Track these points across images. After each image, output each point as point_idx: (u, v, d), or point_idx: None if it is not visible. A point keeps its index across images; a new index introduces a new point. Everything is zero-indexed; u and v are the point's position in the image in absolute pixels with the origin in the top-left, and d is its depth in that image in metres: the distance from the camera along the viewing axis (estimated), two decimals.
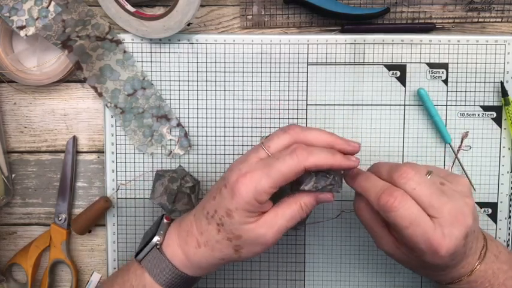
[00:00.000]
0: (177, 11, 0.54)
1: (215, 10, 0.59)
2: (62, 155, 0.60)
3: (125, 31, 0.57)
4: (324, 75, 0.58)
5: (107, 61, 0.58)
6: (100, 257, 0.62)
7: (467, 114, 0.58)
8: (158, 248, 0.48)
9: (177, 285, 0.48)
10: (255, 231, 0.44)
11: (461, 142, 0.58)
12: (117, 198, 0.60)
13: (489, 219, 0.59)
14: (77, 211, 0.61)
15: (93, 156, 0.61)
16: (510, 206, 0.59)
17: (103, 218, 0.60)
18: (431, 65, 0.58)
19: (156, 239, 0.48)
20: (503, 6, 0.58)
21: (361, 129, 0.58)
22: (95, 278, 0.62)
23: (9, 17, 0.54)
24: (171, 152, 0.59)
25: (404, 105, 0.58)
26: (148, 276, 0.48)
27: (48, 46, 0.58)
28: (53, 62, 0.58)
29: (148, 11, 0.59)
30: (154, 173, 0.58)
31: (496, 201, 0.59)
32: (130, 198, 0.60)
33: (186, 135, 0.58)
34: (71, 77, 0.59)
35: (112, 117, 0.59)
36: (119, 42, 0.58)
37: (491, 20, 0.58)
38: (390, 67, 0.58)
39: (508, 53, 0.57)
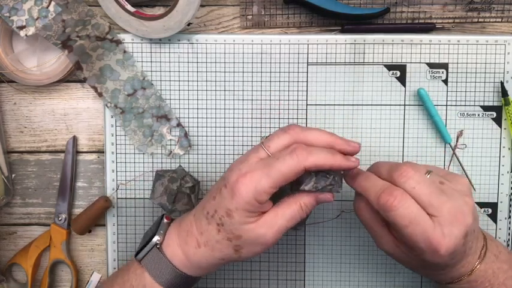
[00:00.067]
0: (177, 11, 0.54)
1: (215, 10, 0.59)
2: (62, 155, 0.60)
3: (125, 31, 0.57)
4: (324, 75, 0.58)
5: (107, 61, 0.58)
6: (100, 257, 0.62)
7: (467, 114, 0.58)
8: (158, 248, 0.48)
9: (177, 285, 0.48)
10: (255, 231, 0.44)
11: (457, 141, 0.58)
12: (117, 198, 0.60)
13: (489, 219, 0.59)
14: (77, 211, 0.61)
15: (93, 156, 0.61)
16: (510, 206, 0.59)
17: (103, 218, 0.60)
18: (431, 65, 0.58)
19: (156, 238, 0.48)
20: (503, 6, 0.58)
21: (361, 129, 0.58)
22: (95, 278, 0.62)
23: (9, 17, 0.54)
24: (171, 152, 0.59)
25: (404, 105, 0.58)
26: (148, 276, 0.48)
27: (48, 46, 0.58)
28: (53, 62, 0.58)
29: (148, 11, 0.59)
30: (154, 173, 0.58)
31: (496, 201, 0.59)
32: (130, 198, 0.60)
33: (186, 135, 0.58)
34: (71, 77, 0.59)
35: (112, 117, 0.59)
36: (119, 42, 0.58)
37: (491, 20, 0.59)
38: (390, 67, 0.58)
39: (508, 53, 0.57)
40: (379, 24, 0.58)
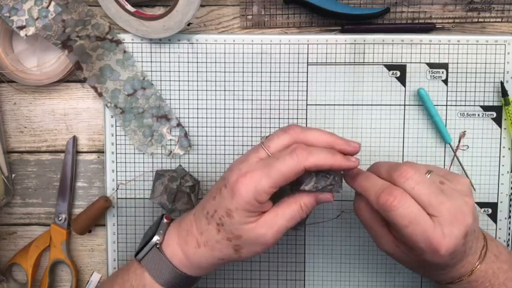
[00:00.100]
0: (177, 11, 0.54)
1: (215, 10, 0.59)
2: (62, 155, 0.60)
3: (125, 31, 0.57)
4: (324, 75, 0.58)
5: (107, 61, 0.58)
6: (100, 257, 0.62)
7: (467, 114, 0.58)
8: (158, 248, 0.48)
9: (176, 285, 0.48)
10: (255, 231, 0.44)
11: (459, 141, 0.58)
12: (117, 198, 0.60)
13: (489, 219, 0.59)
14: (77, 211, 0.61)
15: (93, 156, 0.61)
16: (510, 206, 0.59)
17: (103, 218, 0.60)
18: (431, 65, 0.58)
19: (156, 238, 0.48)
20: (503, 6, 0.58)
21: (361, 129, 0.58)
22: (95, 278, 0.62)
23: (9, 17, 0.54)
24: (171, 152, 0.59)
25: (404, 105, 0.58)
26: (148, 275, 0.48)
27: (48, 46, 0.58)
28: (53, 62, 0.58)
29: (148, 11, 0.59)
30: (154, 173, 0.58)
31: (496, 201, 0.59)
32: (130, 198, 0.60)
33: (186, 135, 0.58)
34: (71, 77, 0.59)
35: (112, 117, 0.59)
36: (119, 42, 0.58)
37: (491, 20, 0.59)
38: (390, 67, 0.58)
39: (508, 53, 0.57)
40: (379, 24, 0.58)
